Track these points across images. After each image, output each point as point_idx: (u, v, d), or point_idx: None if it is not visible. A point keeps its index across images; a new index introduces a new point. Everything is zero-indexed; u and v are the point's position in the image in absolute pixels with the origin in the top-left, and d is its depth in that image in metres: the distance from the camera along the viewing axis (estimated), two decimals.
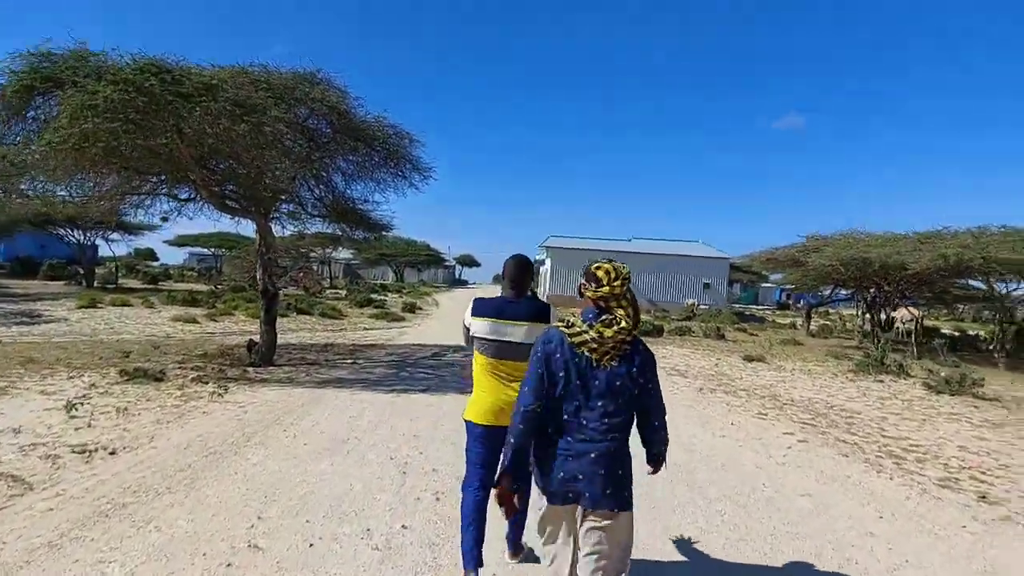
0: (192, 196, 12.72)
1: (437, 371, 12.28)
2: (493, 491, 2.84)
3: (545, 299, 37.25)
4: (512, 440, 2.71)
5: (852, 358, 18.16)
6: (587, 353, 2.71)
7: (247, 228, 19.21)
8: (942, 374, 14.09)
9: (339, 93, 12.12)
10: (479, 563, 3.56)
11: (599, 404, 2.68)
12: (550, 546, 2.86)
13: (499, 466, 2.84)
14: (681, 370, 14.95)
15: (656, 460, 3.05)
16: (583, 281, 2.83)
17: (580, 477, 2.65)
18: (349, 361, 13.41)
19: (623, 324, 2.70)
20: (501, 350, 3.57)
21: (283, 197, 14.25)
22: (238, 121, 9.07)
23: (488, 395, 3.60)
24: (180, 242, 67.15)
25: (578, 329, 2.74)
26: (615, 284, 2.73)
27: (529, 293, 3.79)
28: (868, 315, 29.39)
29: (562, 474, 2.68)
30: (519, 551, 3.99)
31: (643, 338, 3.08)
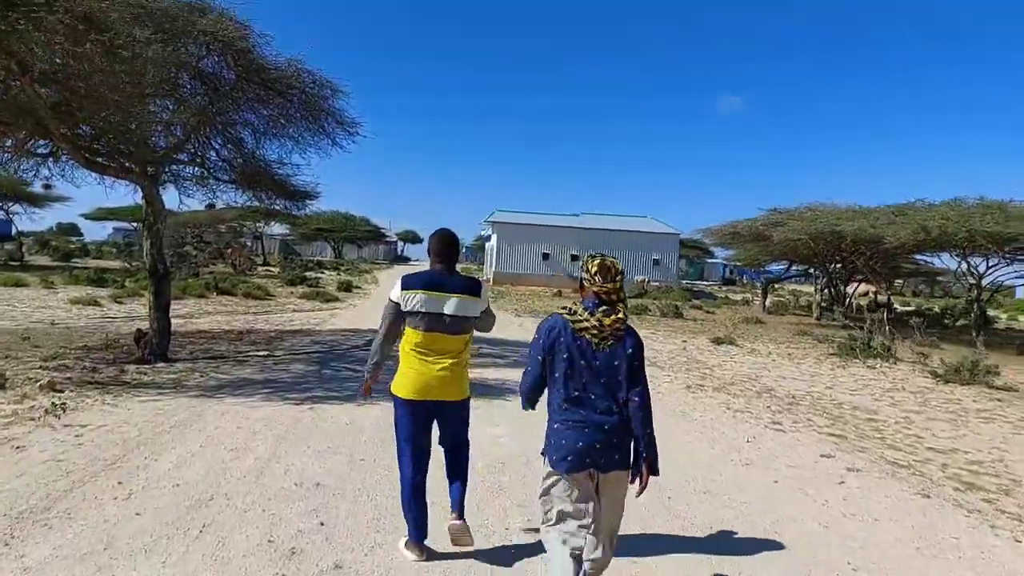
0: (52, 150, 10.09)
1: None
2: None
3: (490, 277, 35.42)
4: (531, 396, 3.10)
5: (831, 340, 16.63)
6: (588, 337, 2.95)
7: (174, 198, 16.56)
8: (944, 360, 12.59)
9: (238, 26, 9.65)
10: (424, 535, 3.60)
11: (603, 381, 2.94)
12: (551, 510, 3.02)
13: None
14: (651, 358, 13.09)
15: (650, 464, 2.98)
16: (586, 276, 3.06)
17: (597, 446, 2.90)
18: (263, 354, 11.08)
19: (620, 314, 2.99)
20: (432, 322, 3.53)
21: (178, 156, 11.76)
22: (81, 41, 6.60)
23: (415, 371, 3.56)
24: (100, 215, 62.31)
25: (580, 317, 2.99)
26: (617, 280, 3.01)
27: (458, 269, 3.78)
28: (827, 291, 28.31)
29: (580, 443, 2.89)
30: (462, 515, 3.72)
31: None
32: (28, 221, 37.60)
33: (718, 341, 16.09)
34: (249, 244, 56.75)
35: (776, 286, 46.83)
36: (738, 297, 38.77)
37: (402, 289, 3.58)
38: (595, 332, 2.93)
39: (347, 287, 28.82)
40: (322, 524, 3.97)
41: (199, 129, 11.04)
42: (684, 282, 52.61)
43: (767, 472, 5.62)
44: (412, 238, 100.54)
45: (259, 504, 4.22)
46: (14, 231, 40.28)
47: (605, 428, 2.89)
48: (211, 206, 14.18)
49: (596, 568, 3.00)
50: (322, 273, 40.82)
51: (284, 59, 10.45)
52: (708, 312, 27.04)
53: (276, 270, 38.46)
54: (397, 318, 3.62)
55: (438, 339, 3.54)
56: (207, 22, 9.18)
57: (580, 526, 2.94)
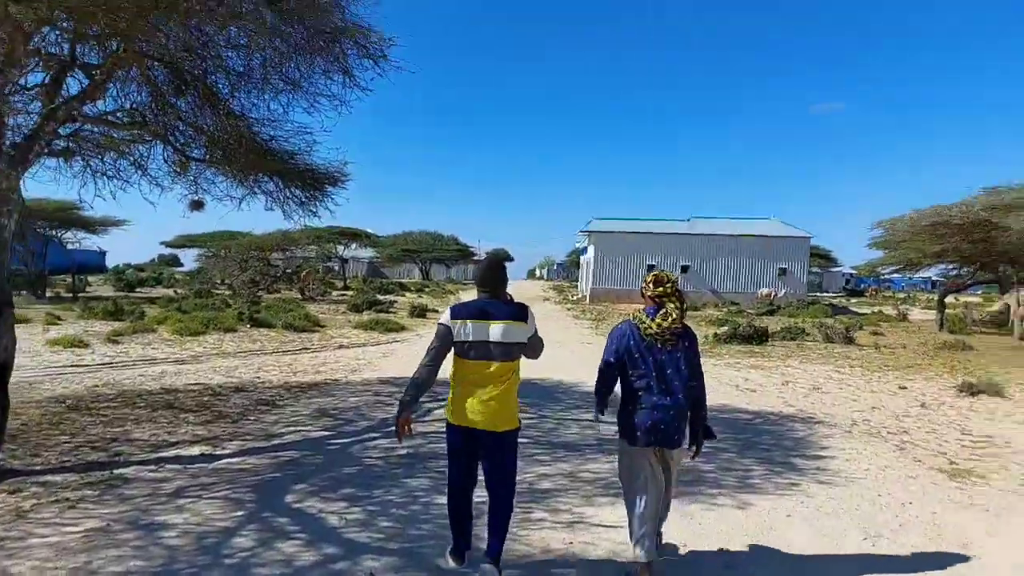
0: None
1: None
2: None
3: (586, 294, 29.61)
4: (602, 391, 3.90)
5: None
6: (652, 339, 3.71)
7: (243, 221, 12.06)
8: None
9: None
10: (468, 543, 3.74)
11: (667, 373, 3.69)
12: (637, 480, 3.77)
13: (596, 406, 3.96)
14: (903, 434, 7.26)
15: (695, 434, 3.84)
16: (644, 286, 3.87)
17: (662, 426, 3.64)
18: (195, 452, 6.09)
19: (674, 316, 3.70)
20: (482, 351, 3.54)
21: (96, 115, 7.06)
22: None
23: (465, 397, 3.58)
24: (179, 243, 60.52)
25: (645, 323, 3.74)
26: (667, 286, 3.77)
27: (508, 296, 3.73)
28: None
29: (649, 422, 3.65)
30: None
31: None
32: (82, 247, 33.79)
33: (971, 390, 9.98)
34: (336, 268, 53.32)
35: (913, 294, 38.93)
36: (890, 311, 31.15)
37: (452, 318, 3.57)
38: (657, 334, 3.70)
39: (421, 312, 23.94)
40: None
41: (125, 64, 6.28)
42: (809, 295, 45.25)
43: None
44: (503, 257, 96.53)
45: None
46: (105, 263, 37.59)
47: (671, 412, 3.66)
48: (198, 204, 8.88)
49: (657, 527, 3.83)
50: (402, 295, 36.38)
51: None
52: (875, 334, 20.46)
53: (351, 294, 34.08)
54: (445, 344, 3.58)
55: (487, 367, 3.54)
56: None
57: (644, 492, 3.73)
